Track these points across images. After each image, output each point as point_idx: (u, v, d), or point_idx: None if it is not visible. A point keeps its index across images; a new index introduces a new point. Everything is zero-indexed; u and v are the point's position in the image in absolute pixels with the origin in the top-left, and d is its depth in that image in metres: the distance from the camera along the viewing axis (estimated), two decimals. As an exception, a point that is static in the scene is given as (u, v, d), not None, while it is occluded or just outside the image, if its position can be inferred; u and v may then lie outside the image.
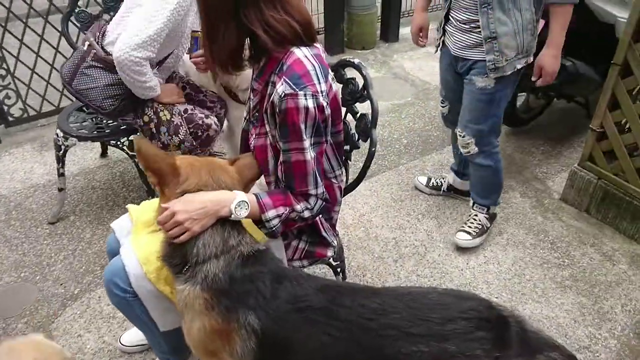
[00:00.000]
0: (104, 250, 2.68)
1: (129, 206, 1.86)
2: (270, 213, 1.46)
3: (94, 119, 2.75)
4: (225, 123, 2.74)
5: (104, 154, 3.42)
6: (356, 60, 1.84)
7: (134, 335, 2.19)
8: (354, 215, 2.97)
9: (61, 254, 2.68)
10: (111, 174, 3.27)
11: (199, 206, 1.34)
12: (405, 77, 4.62)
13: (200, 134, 2.50)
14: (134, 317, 1.72)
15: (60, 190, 2.84)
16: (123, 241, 1.75)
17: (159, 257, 1.45)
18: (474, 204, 2.75)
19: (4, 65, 3.39)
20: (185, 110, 2.49)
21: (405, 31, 5.16)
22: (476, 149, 2.48)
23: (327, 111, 1.48)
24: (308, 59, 1.45)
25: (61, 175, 2.78)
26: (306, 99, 1.39)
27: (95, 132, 2.66)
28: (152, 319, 1.66)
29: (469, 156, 2.54)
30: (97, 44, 2.37)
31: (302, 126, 1.41)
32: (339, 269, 1.96)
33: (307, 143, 1.44)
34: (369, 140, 1.76)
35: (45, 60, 3.54)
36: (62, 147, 2.69)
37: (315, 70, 1.44)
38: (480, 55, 2.23)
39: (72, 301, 2.43)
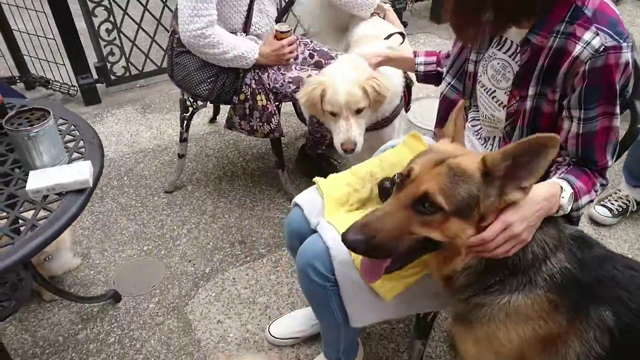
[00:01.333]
0: (230, 226, 2.42)
1: (317, 179, 1.60)
2: (584, 199, 1.20)
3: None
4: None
5: (213, 119, 3.14)
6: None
7: (285, 326, 1.94)
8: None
9: (184, 227, 2.43)
10: (223, 141, 3.00)
11: (535, 209, 1.07)
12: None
13: None
14: (324, 308, 1.47)
15: (180, 156, 2.57)
16: (315, 220, 1.48)
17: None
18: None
19: (111, 18, 3.12)
20: (301, 80, 2.14)
21: None
22: None
23: None
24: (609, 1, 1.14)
25: (184, 140, 2.52)
26: (627, 52, 1.10)
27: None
28: (346, 312, 1.42)
29: None
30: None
31: (617, 87, 1.13)
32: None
33: (618, 107, 1.17)
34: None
35: (152, 14, 3.25)
36: (191, 108, 2.41)
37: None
38: None
39: (204, 281, 2.18)
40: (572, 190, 1.16)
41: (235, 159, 2.86)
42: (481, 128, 1.55)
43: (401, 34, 1.96)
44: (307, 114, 2.23)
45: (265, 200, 2.58)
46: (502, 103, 1.39)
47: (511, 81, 1.33)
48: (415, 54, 1.72)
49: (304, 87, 1.91)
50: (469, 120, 1.60)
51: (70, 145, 1.45)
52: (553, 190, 1.12)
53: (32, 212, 1.23)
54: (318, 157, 2.66)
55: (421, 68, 1.71)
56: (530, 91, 1.26)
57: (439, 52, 1.72)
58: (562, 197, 1.13)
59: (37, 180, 1.25)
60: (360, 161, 2.35)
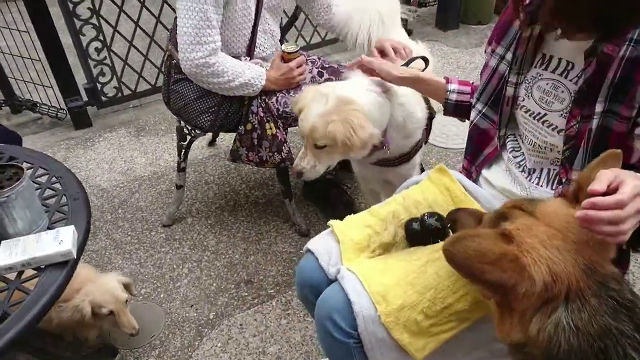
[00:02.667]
0: (234, 263, 2.22)
1: (332, 222, 1.41)
2: None
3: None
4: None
5: (212, 142, 2.95)
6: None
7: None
8: None
9: (185, 266, 2.24)
10: (224, 166, 2.80)
11: None
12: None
13: None
14: (347, 366, 1.28)
15: (178, 187, 2.37)
16: (334, 270, 1.32)
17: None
18: None
19: (101, 37, 2.92)
20: None
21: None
22: None
23: None
24: None
25: (182, 170, 2.32)
26: None
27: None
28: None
29: None
30: (176, 51, 1.89)
31: None
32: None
33: None
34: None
35: (144, 31, 3.06)
36: (189, 136, 2.21)
37: None
38: None
39: (209, 329, 1.98)
40: None
41: (237, 186, 2.66)
42: (524, 159, 1.36)
43: (424, 58, 1.75)
44: None
45: (271, 233, 2.38)
46: (556, 127, 1.22)
47: (567, 101, 1.18)
48: (447, 80, 1.53)
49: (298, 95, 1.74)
50: (509, 150, 1.41)
51: (51, 202, 1.26)
52: None
53: (4, 293, 1.03)
54: (327, 183, 2.47)
55: (453, 97, 1.51)
56: (598, 108, 1.10)
57: (472, 83, 1.53)
58: None
59: (10, 254, 1.06)
60: (372, 186, 2.20)
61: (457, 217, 1.12)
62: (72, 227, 1.11)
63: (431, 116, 1.85)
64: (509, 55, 1.29)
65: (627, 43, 1.03)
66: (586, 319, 0.78)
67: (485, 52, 1.42)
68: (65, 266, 1.07)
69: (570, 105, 1.17)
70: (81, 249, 1.13)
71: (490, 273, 0.80)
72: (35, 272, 1.07)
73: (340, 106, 1.55)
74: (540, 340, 0.80)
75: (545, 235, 0.83)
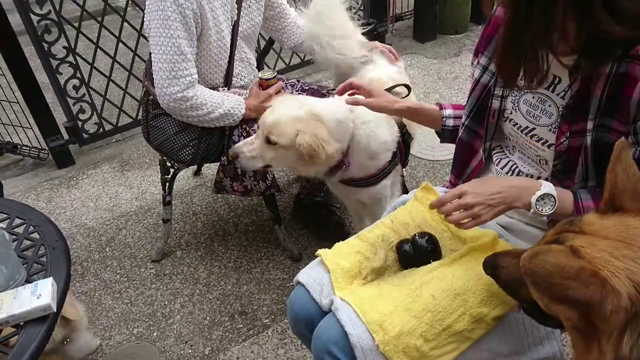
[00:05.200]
0: (227, 294, 2.18)
1: (321, 252, 1.38)
2: None
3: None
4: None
5: (198, 171, 2.91)
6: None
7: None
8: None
9: (177, 302, 2.19)
10: (211, 195, 2.77)
11: (495, 190, 1.12)
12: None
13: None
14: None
15: (165, 221, 2.33)
16: (327, 301, 1.28)
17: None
18: None
19: (78, 74, 2.90)
20: None
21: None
22: None
23: None
24: None
25: (167, 203, 2.28)
26: None
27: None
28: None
29: None
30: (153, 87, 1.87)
31: None
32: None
33: None
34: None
35: (122, 65, 3.04)
36: (172, 169, 2.18)
37: None
38: None
39: (205, 366, 1.93)
40: (575, 203, 1.10)
41: (225, 215, 2.63)
42: (515, 165, 1.33)
43: (407, 86, 1.74)
44: None
45: (263, 260, 2.34)
46: (546, 141, 1.21)
47: (555, 116, 1.16)
48: (440, 106, 1.49)
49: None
50: (495, 162, 1.39)
51: (29, 253, 1.21)
52: (528, 184, 1.12)
53: (-18, 355, 0.99)
54: (316, 204, 2.44)
55: (450, 122, 1.46)
56: (589, 125, 1.08)
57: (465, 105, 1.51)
58: (534, 195, 1.09)
59: (-13, 313, 1.01)
60: (348, 204, 2.16)
61: (497, 263, 1.04)
62: (50, 280, 1.07)
63: (406, 141, 1.83)
64: (492, 66, 1.28)
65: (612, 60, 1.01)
66: None
67: (472, 64, 1.40)
68: (45, 321, 1.03)
69: (558, 120, 1.15)
70: (62, 299, 1.09)
71: (575, 289, 0.73)
72: (14, 329, 1.03)
73: (309, 120, 1.59)
74: (634, 359, 0.74)
75: (611, 247, 0.77)
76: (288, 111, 1.60)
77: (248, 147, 1.66)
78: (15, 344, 1.00)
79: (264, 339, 2.00)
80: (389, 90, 1.68)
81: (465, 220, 1.12)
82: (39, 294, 1.04)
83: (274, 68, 3.40)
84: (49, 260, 1.17)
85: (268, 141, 1.62)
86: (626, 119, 1.04)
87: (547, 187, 1.11)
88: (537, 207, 1.10)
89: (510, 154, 1.35)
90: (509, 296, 1.08)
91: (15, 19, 2.66)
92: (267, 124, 1.61)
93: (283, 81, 2.14)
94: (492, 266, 1.04)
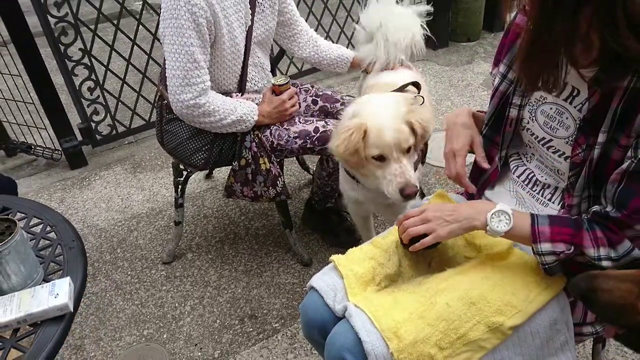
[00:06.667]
0: (237, 298, 2.18)
1: (334, 257, 1.37)
2: (545, 246, 1.11)
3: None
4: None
5: (209, 174, 2.93)
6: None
7: None
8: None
9: (187, 304, 2.19)
10: (222, 198, 2.77)
11: (452, 208, 1.21)
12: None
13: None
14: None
15: (177, 224, 2.34)
16: (340, 307, 1.27)
17: None
18: None
19: (93, 76, 2.92)
20: (307, 134, 1.95)
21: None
22: None
23: None
24: None
25: (179, 206, 2.29)
26: None
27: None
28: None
29: None
30: (167, 92, 1.89)
31: None
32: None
33: None
34: None
35: (136, 68, 3.07)
36: (185, 172, 2.19)
37: None
38: None
39: (214, 369, 1.93)
40: (532, 228, 1.11)
41: (236, 218, 2.63)
42: (532, 173, 1.32)
43: (415, 83, 1.73)
44: (344, 166, 1.80)
45: (273, 264, 2.34)
46: (562, 153, 1.20)
47: (572, 129, 1.15)
48: (535, 238, 1.35)
49: (336, 135, 1.61)
50: (512, 170, 1.38)
51: (46, 252, 1.22)
52: (485, 204, 1.18)
53: (-1, 353, 0.99)
54: (327, 210, 2.44)
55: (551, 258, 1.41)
56: (601, 138, 1.07)
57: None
58: (489, 212, 1.13)
59: (5, 311, 1.02)
60: (367, 207, 2.13)
61: (597, 286, 0.93)
62: (67, 279, 1.08)
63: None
64: (511, 74, 1.28)
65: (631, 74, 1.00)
66: None
67: (491, 73, 1.40)
68: (62, 320, 1.04)
69: (575, 133, 1.14)
70: (78, 299, 1.09)
71: None
72: (31, 328, 1.04)
73: (401, 106, 1.56)
74: None
75: None
76: (389, 116, 1.54)
77: (407, 173, 1.54)
78: (32, 342, 1.00)
79: (273, 343, 2.00)
80: (400, 90, 1.68)
81: (421, 233, 1.20)
82: (57, 294, 1.04)
83: (286, 73, 3.41)
84: (65, 260, 1.18)
85: (407, 151, 1.56)
86: (631, 133, 1.02)
87: (502, 205, 1.15)
88: (492, 223, 1.14)
89: (528, 161, 1.34)
90: (604, 321, 1.07)
91: (32, 21, 2.69)
92: (393, 143, 1.51)
93: (296, 86, 2.15)
94: (588, 289, 0.93)
